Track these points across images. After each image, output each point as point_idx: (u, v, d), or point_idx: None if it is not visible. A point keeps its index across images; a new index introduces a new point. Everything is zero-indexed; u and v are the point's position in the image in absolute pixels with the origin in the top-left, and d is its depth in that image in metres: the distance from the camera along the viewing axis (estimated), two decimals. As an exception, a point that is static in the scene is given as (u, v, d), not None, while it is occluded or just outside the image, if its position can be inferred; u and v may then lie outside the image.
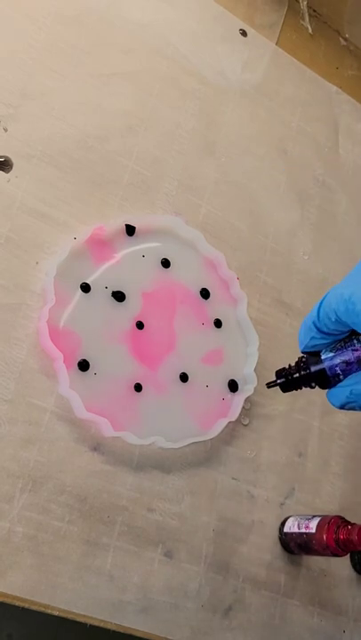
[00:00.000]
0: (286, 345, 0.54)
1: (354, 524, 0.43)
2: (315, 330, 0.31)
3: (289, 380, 0.33)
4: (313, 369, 0.32)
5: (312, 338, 0.31)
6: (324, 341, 0.32)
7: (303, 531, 0.45)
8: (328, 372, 0.32)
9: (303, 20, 0.66)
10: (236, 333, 0.50)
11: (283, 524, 0.48)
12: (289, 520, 0.48)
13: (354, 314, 0.28)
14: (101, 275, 0.46)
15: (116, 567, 0.42)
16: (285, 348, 0.54)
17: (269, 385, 0.35)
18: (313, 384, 0.33)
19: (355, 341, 0.31)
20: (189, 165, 0.53)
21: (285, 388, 0.34)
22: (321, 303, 0.31)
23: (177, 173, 0.52)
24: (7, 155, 0.45)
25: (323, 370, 0.32)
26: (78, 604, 0.40)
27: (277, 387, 0.34)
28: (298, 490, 0.51)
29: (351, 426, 0.55)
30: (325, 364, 0.32)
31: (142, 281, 0.47)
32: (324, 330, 0.31)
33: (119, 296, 0.46)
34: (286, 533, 0.47)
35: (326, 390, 0.32)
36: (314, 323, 0.31)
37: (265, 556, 0.48)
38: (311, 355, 0.32)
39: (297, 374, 0.33)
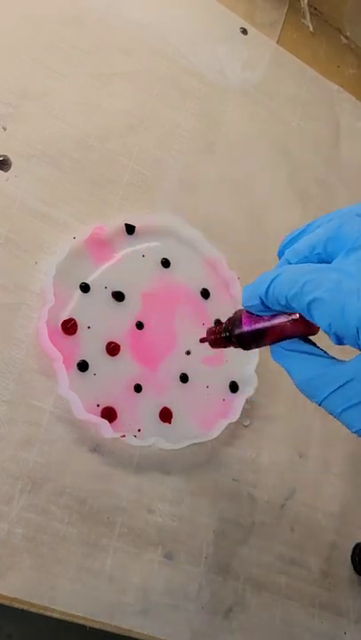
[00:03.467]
0: (287, 345, 0.53)
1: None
2: (259, 301, 0.31)
3: (216, 339, 0.36)
4: (235, 332, 0.34)
5: (254, 306, 0.32)
6: (266, 313, 0.32)
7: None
8: (247, 338, 0.34)
9: (304, 18, 0.65)
10: (236, 334, 0.50)
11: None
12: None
13: (305, 304, 0.28)
14: (101, 275, 0.46)
15: (116, 568, 0.42)
16: (286, 349, 0.53)
17: (201, 340, 0.37)
18: (237, 344, 0.35)
19: (287, 314, 0.32)
20: (190, 165, 0.53)
21: (214, 345, 0.37)
22: (272, 282, 0.30)
23: (177, 173, 0.52)
24: (6, 154, 0.45)
25: (242, 334, 0.34)
26: (78, 606, 0.40)
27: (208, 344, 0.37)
28: (299, 491, 0.51)
29: (352, 426, 0.55)
30: (246, 330, 0.34)
31: (142, 281, 0.47)
32: (269, 306, 0.31)
33: (119, 296, 0.46)
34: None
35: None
36: (260, 297, 0.31)
37: (265, 558, 0.48)
38: (239, 316, 0.34)
39: (223, 335, 0.35)
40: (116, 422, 0.43)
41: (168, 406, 0.45)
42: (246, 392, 0.48)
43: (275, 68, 0.61)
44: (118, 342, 0.45)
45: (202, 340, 0.38)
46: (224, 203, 0.54)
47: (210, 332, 0.37)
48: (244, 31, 0.60)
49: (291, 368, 0.32)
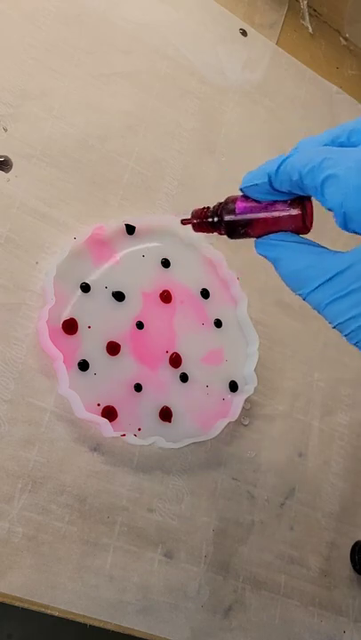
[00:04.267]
0: (287, 345, 0.54)
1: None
2: (266, 182, 0.29)
3: (201, 223, 0.34)
4: (225, 218, 0.32)
5: (257, 186, 0.30)
6: (267, 197, 0.30)
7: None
8: (238, 225, 0.32)
9: (303, 19, 0.66)
10: (236, 333, 0.50)
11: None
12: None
13: (319, 179, 0.27)
14: (101, 275, 0.46)
15: (116, 567, 0.42)
16: (286, 348, 0.54)
17: (183, 222, 0.35)
18: (222, 232, 0.33)
19: (286, 206, 0.30)
20: (189, 165, 0.53)
21: (197, 229, 0.35)
22: (286, 159, 0.29)
23: (177, 173, 0.52)
24: (7, 154, 0.45)
25: (234, 221, 0.32)
26: (78, 605, 0.40)
27: (192, 227, 0.35)
28: (298, 490, 0.51)
29: (351, 426, 0.55)
30: (238, 216, 0.32)
31: (142, 281, 0.47)
32: (276, 186, 0.29)
33: (119, 296, 0.46)
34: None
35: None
36: (269, 175, 0.29)
37: (265, 557, 0.48)
38: (232, 200, 0.32)
39: (210, 219, 0.33)
40: (116, 421, 0.43)
41: (168, 405, 0.46)
42: (246, 391, 0.48)
43: (274, 69, 0.61)
44: (119, 342, 0.45)
45: (184, 222, 0.35)
46: (224, 203, 0.54)
47: (196, 214, 0.34)
48: (244, 32, 0.60)
49: (279, 258, 0.30)
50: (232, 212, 0.32)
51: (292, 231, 0.31)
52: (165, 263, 0.49)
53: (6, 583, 0.38)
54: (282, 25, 0.64)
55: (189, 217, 0.35)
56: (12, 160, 0.45)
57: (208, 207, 0.34)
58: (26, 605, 0.39)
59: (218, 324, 0.50)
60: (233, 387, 0.49)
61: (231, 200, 0.32)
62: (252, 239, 0.33)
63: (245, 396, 0.48)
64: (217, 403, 0.48)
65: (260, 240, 0.31)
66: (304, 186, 0.28)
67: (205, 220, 0.34)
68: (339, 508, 0.52)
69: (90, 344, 0.44)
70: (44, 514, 0.40)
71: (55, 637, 0.47)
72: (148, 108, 0.52)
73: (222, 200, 0.33)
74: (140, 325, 0.46)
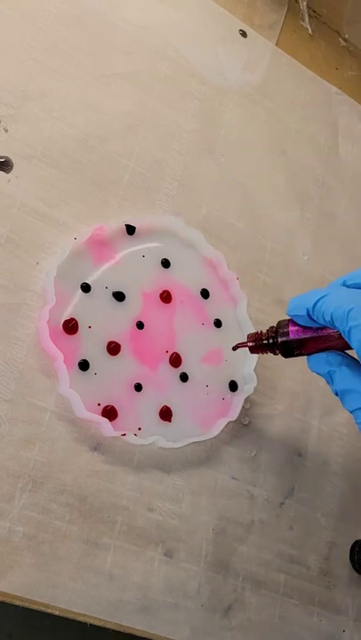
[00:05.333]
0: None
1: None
2: (305, 313, 0.35)
3: (257, 345, 0.39)
4: (280, 339, 0.38)
5: (299, 316, 0.36)
6: (309, 324, 0.36)
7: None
8: (292, 346, 0.37)
9: (303, 20, 0.66)
10: (236, 333, 0.50)
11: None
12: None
13: (347, 327, 0.32)
14: (101, 275, 0.46)
15: (117, 566, 0.42)
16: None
17: (238, 346, 0.41)
18: (277, 352, 0.38)
19: (330, 332, 0.35)
20: (189, 165, 0.53)
21: (252, 350, 0.40)
22: (321, 299, 0.34)
23: (177, 173, 0.52)
24: (7, 155, 0.45)
25: (288, 342, 0.37)
26: (78, 604, 0.40)
27: (247, 349, 0.41)
28: (298, 489, 0.51)
29: (351, 426, 0.55)
30: (292, 337, 0.37)
31: (142, 281, 0.48)
32: (314, 319, 0.35)
33: (120, 296, 0.46)
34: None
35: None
36: (307, 309, 0.35)
37: (265, 556, 0.48)
38: (285, 324, 0.38)
39: (266, 341, 0.39)
40: (116, 421, 0.43)
41: (168, 405, 0.46)
42: (246, 391, 0.49)
43: (274, 70, 0.61)
44: (119, 342, 0.45)
45: (239, 346, 0.40)
46: (224, 203, 0.54)
47: (251, 337, 0.39)
48: (244, 33, 0.60)
49: (332, 374, 0.35)
50: (286, 334, 0.37)
51: (339, 349, 0.35)
52: (165, 263, 0.49)
53: (7, 582, 0.38)
54: (281, 26, 0.64)
55: (243, 342, 0.41)
56: (13, 161, 0.45)
57: (261, 331, 0.39)
58: (26, 605, 0.39)
59: (218, 323, 0.50)
60: (233, 386, 0.49)
61: (284, 324, 0.38)
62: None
63: (245, 396, 0.48)
64: (217, 402, 0.48)
65: (312, 357, 0.36)
66: (335, 326, 0.33)
67: (262, 343, 0.39)
68: (338, 507, 0.52)
69: (90, 344, 0.44)
70: (44, 513, 0.40)
71: (55, 637, 0.47)
72: (148, 109, 0.52)
73: (274, 323, 0.38)
74: (140, 325, 0.46)
